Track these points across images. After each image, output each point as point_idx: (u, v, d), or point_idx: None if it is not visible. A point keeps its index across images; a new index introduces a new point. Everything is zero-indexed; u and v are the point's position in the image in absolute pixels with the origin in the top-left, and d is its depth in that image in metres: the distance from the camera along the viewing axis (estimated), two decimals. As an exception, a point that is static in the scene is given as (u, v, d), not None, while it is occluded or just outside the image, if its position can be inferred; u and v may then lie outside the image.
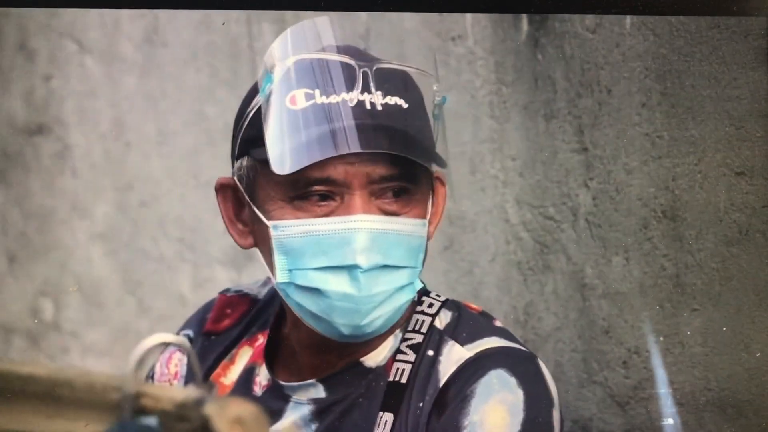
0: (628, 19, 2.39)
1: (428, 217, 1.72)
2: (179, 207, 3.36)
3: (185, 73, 3.33)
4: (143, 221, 3.41)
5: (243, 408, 1.11)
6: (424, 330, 1.74)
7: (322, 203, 1.64)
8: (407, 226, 1.68)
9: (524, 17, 2.58)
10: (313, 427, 1.73)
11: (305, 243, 1.64)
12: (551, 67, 2.54)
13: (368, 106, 1.64)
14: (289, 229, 1.65)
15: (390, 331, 1.75)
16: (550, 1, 1.81)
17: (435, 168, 1.76)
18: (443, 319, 1.76)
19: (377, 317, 1.67)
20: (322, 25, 1.71)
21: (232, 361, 1.84)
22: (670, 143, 2.36)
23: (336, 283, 1.63)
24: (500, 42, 2.65)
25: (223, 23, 2.61)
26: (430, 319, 1.76)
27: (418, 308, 1.77)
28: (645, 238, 2.42)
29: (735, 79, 2.25)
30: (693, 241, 2.34)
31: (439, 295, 1.80)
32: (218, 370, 1.84)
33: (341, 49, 1.69)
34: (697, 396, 2.36)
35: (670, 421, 1.64)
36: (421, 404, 1.69)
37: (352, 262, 1.62)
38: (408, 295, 1.70)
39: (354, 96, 1.64)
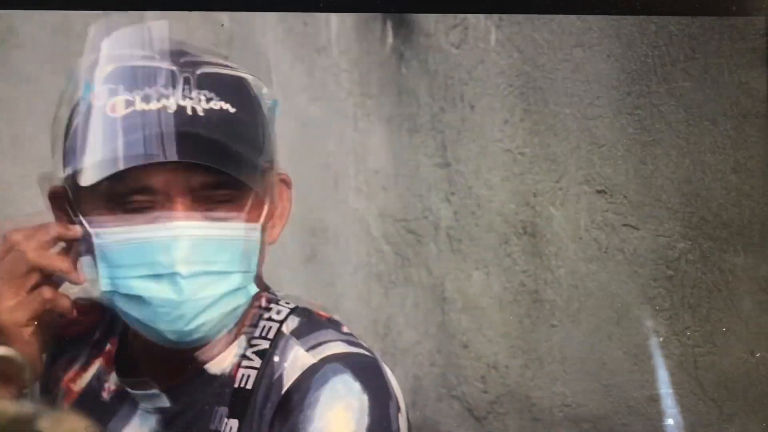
0: (492, 36, 2.43)
1: (262, 220, 1.68)
2: (33, 212, 3.32)
3: (41, 75, 3.30)
4: (-4, 226, 3.37)
5: (76, 423, 1.10)
6: (271, 336, 1.72)
7: (144, 212, 1.61)
8: (234, 231, 1.65)
9: (390, 30, 2.60)
10: None
11: (126, 251, 1.62)
12: (415, 81, 2.57)
13: (189, 112, 1.61)
14: (109, 236, 1.63)
15: (233, 338, 1.73)
16: (549, 3, 1.75)
17: (278, 170, 1.74)
18: (290, 325, 1.74)
19: (203, 322, 1.64)
20: (154, 30, 1.68)
21: (83, 368, 1.81)
22: (531, 160, 2.39)
23: (157, 290, 1.61)
24: (365, 54, 2.67)
25: (222, 25, 2.58)
26: (278, 325, 1.73)
27: (266, 315, 1.75)
28: (505, 253, 2.45)
29: (598, 98, 2.30)
30: (553, 257, 2.38)
31: (288, 302, 1.77)
32: (70, 374, 1.81)
33: (172, 54, 1.66)
34: (555, 411, 2.40)
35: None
36: (265, 410, 1.68)
37: (172, 270, 1.60)
38: (239, 300, 1.67)
39: (173, 102, 1.60)
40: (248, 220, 1.65)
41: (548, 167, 2.37)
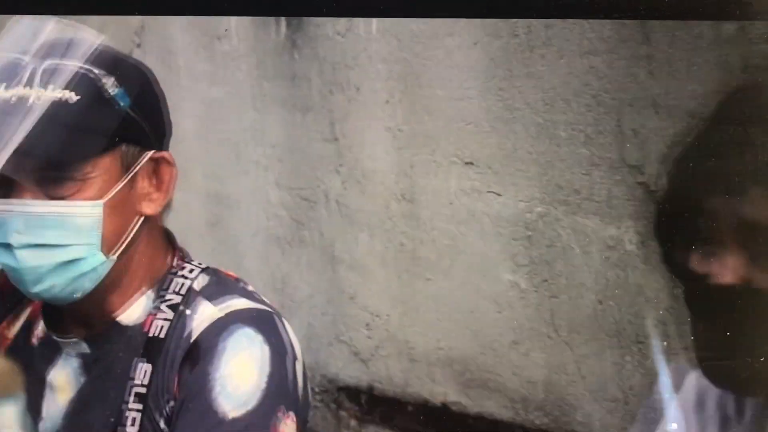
0: (374, 26, 2.41)
1: (107, 198, 1.65)
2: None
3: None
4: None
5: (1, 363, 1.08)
6: (182, 292, 1.73)
7: None
8: (72, 209, 1.63)
9: (283, 21, 2.58)
10: (83, 379, 1.72)
11: None
12: (307, 66, 2.55)
13: (30, 101, 1.60)
14: None
15: (138, 290, 1.73)
16: (552, 7, 1.64)
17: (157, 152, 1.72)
18: (200, 283, 1.74)
19: (52, 285, 1.65)
20: (32, 29, 1.68)
21: (16, 317, 1.81)
22: (409, 136, 2.39)
23: (4, 258, 1.63)
24: (261, 42, 2.64)
25: (226, 30, 2.52)
26: (189, 282, 1.74)
27: (179, 273, 1.75)
28: (386, 217, 2.45)
29: (466, 80, 2.30)
30: (427, 220, 2.37)
31: (200, 263, 1.78)
32: (4, 324, 1.81)
33: (38, 52, 1.65)
34: (430, 354, 2.41)
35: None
36: (176, 357, 1.67)
37: (6, 241, 1.62)
38: (83, 268, 1.66)
39: (16, 92, 1.60)
40: (92, 195, 1.64)
41: (423, 142, 2.37)
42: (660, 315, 2.06)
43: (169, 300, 1.73)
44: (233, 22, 2.68)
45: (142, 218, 1.69)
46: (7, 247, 1.62)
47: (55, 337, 1.75)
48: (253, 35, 2.64)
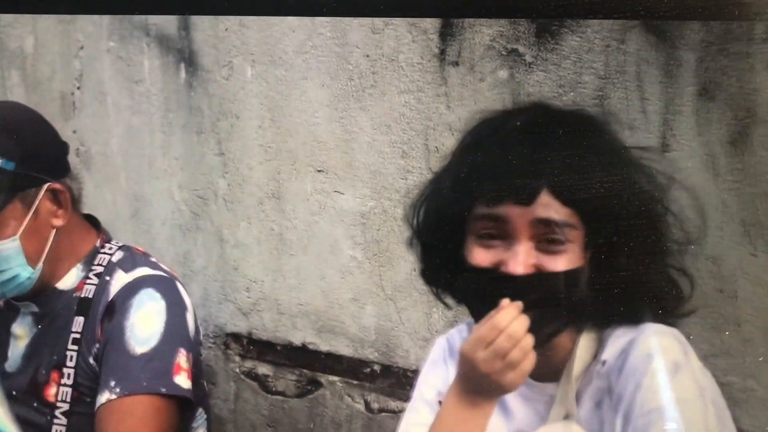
0: (249, 71, 2.36)
1: (20, 232, 1.63)
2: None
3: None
4: None
5: None
6: (104, 264, 1.71)
7: None
8: None
9: (183, 68, 2.49)
10: (34, 330, 1.71)
11: None
12: (200, 100, 2.48)
13: None
14: None
15: (71, 265, 1.71)
16: (552, 7, 1.39)
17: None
18: (117, 257, 1.73)
19: (2, 293, 1.67)
20: None
21: None
22: (276, 151, 2.35)
23: None
24: (167, 84, 2.56)
25: (226, 29, 2.38)
26: (109, 257, 1.72)
27: (102, 250, 1.74)
28: (261, 210, 2.39)
29: (316, 111, 2.26)
30: (291, 212, 2.33)
31: (118, 242, 1.77)
32: None
33: None
34: (293, 308, 2.36)
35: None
36: (98, 310, 1.67)
37: None
38: (20, 279, 1.65)
39: None
40: (8, 236, 1.62)
41: (287, 156, 2.32)
42: None
43: (95, 270, 1.71)
44: (146, 67, 2.58)
45: (55, 229, 1.68)
46: None
47: (13, 302, 1.73)
48: (161, 79, 2.56)
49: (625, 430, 1.19)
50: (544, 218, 1.21)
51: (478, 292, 1.28)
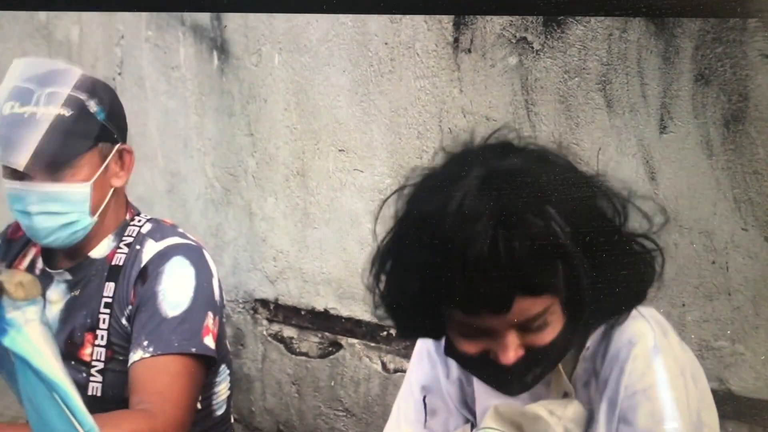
0: (276, 58, 2.34)
1: (93, 179, 1.65)
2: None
3: None
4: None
5: (23, 275, 1.10)
6: (134, 235, 1.71)
7: (16, 174, 1.61)
8: (67, 188, 1.63)
9: (215, 55, 2.47)
10: (68, 295, 1.71)
11: (9, 195, 1.63)
12: (231, 85, 2.46)
13: (37, 116, 1.59)
14: (4, 185, 1.64)
15: (104, 236, 1.71)
16: (553, 4, 1.29)
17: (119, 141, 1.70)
18: (146, 228, 1.73)
19: (56, 239, 1.65)
20: (38, 64, 1.67)
21: (24, 255, 1.78)
22: (300, 132, 2.33)
23: (23, 219, 1.63)
24: (201, 70, 2.54)
25: (225, 26, 2.37)
26: (138, 228, 1.72)
27: (133, 222, 1.74)
28: (287, 186, 2.38)
29: (338, 96, 2.23)
30: (315, 188, 2.32)
31: (146, 215, 1.77)
32: (18, 260, 1.78)
33: (37, 80, 1.63)
34: (316, 276, 2.35)
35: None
36: (131, 277, 1.67)
37: (26, 210, 1.62)
38: (76, 227, 1.65)
39: (27, 109, 1.59)
40: (83, 179, 1.63)
41: (310, 136, 2.30)
42: None
43: (126, 240, 1.71)
44: (182, 55, 2.56)
45: (113, 189, 1.69)
46: (27, 214, 1.61)
47: (48, 270, 1.74)
48: (195, 65, 2.54)
49: (611, 413, 1.18)
50: (523, 321, 1.13)
51: (471, 370, 1.24)
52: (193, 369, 1.62)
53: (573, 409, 1.21)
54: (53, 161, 1.59)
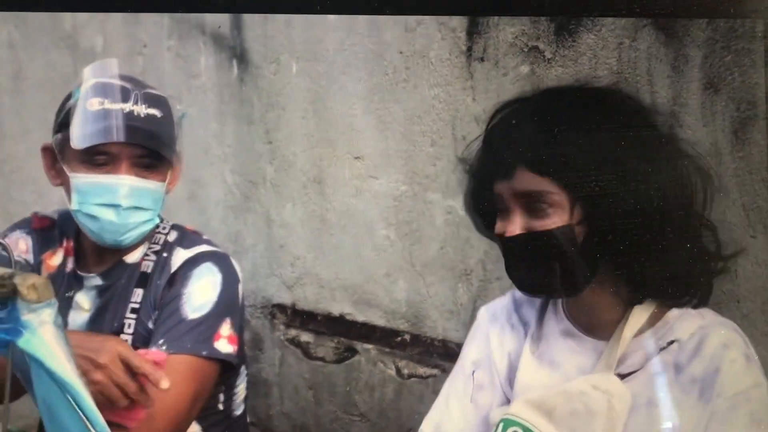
0: (294, 67, 2.36)
1: (167, 181, 1.71)
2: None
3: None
4: None
5: (36, 278, 1.12)
6: (161, 243, 1.75)
7: (103, 166, 1.63)
8: (151, 185, 1.66)
9: (235, 64, 2.50)
10: (97, 301, 1.73)
11: (91, 188, 1.63)
12: (250, 93, 2.49)
13: (136, 114, 1.63)
14: (82, 178, 1.63)
15: (141, 243, 1.74)
16: (546, 5, 1.41)
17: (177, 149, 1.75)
18: (173, 236, 1.76)
19: (130, 236, 1.67)
20: (114, 63, 1.70)
21: (54, 252, 1.79)
22: (317, 139, 2.35)
23: (106, 214, 1.63)
24: (221, 78, 2.57)
25: (219, 27, 2.42)
26: (164, 236, 1.76)
27: (158, 230, 1.77)
28: (304, 193, 2.40)
29: (353, 104, 2.25)
30: (331, 195, 2.34)
31: (169, 222, 1.80)
32: (47, 255, 1.79)
33: (124, 78, 1.67)
34: (332, 282, 2.36)
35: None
36: (159, 282, 1.70)
37: (117, 203, 1.63)
38: (150, 225, 1.70)
39: (128, 106, 1.63)
40: (160, 180, 1.67)
41: (327, 144, 2.32)
42: (480, 256, 2.05)
43: (153, 248, 1.74)
44: (202, 64, 2.59)
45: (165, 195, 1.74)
46: (116, 207, 1.63)
47: (79, 272, 1.75)
48: (215, 74, 2.57)
49: (701, 408, 1.23)
50: (525, 193, 1.29)
51: (501, 253, 1.37)
52: (204, 372, 1.65)
53: (618, 387, 1.26)
54: (144, 157, 1.65)
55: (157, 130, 1.65)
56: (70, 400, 1.13)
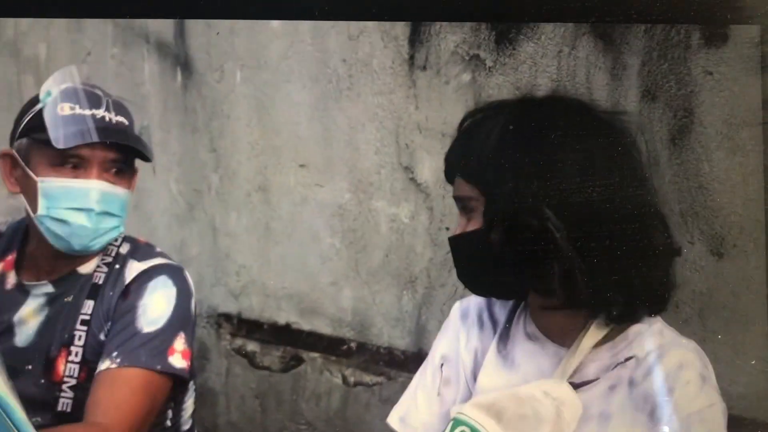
0: (238, 75, 2.34)
1: (131, 189, 1.72)
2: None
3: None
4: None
5: None
6: (113, 254, 1.72)
7: (74, 169, 1.63)
8: (120, 191, 1.67)
9: (179, 72, 2.48)
10: (46, 311, 1.70)
11: (62, 192, 1.62)
12: (194, 101, 2.47)
13: (107, 119, 1.64)
14: (52, 182, 1.62)
15: (96, 254, 1.72)
16: (544, 11, 1.44)
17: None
18: (125, 248, 1.74)
19: (99, 242, 1.67)
20: (75, 71, 1.70)
21: None
22: (263, 148, 2.34)
23: (77, 218, 1.62)
24: (165, 86, 2.55)
25: (218, 33, 2.37)
26: (117, 248, 1.73)
27: (111, 242, 1.74)
28: (249, 201, 2.39)
29: (297, 112, 2.24)
30: (276, 203, 2.33)
31: (121, 234, 1.77)
32: None
33: (88, 85, 1.68)
34: (278, 291, 2.35)
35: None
36: (111, 294, 1.68)
37: (90, 207, 1.63)
38: (116, 233, 1.70)
39: (99, 112, 1.64)
40: (126, 187, 1.68)
41: (272, 152, 2.31)
42: (424, 264, 2.05)
43: (106, 259, 1.72)
44: (146, 71, 2.56)
45: None
46: (88, 211, 1.63)
47: (25, 283, 1.71)
48: (159, 82, 2.54)
49: (652, 427, 1.25)
50: (457, 198, 1.38)
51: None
52: (157, 386, 1.63)
53: (569, 396, 1.28)
54: (115, 163, 1.65)
55: (125, 135, 1.66)
56: (1, 412, 1.11)
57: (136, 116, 1.73)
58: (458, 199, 1.37)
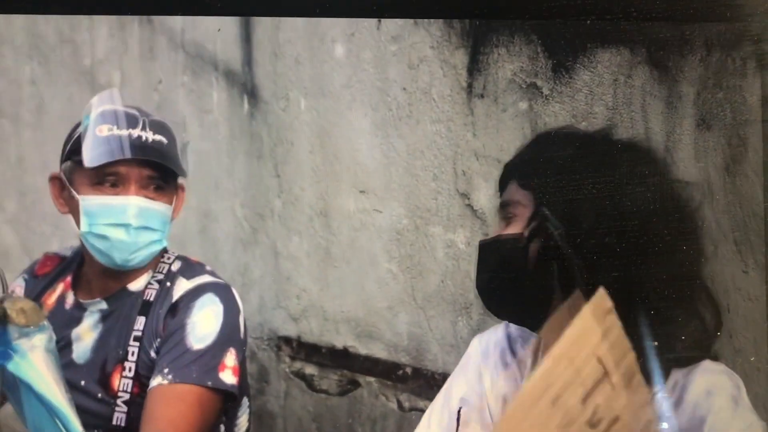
0: (302, 103, 2.41)
1: (173, 205, 1.75)
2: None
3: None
4: None
5: (25, 302, 1.16)
6: (164, 272, 1.77)
7: (112, 187, 1.69)
8: (159, 206, 1.71)
9: (246, 99, 2.56)
10: (100, 328, 1.75)
11: (100, 209, 1.67)
12: (260, 128, 2.53)
13: (144, 138, 1.69)
14: (91, 200, 1.68)
15: (145, 271, 1.77)
16: (544, 9, 1.42)
17: (180, 179, 1.80)
18: (176, 266, 1.78)
19: (139, 255, 1.71)
20: (116, 93, 1.76)
21: (53, 291, 1.82)
22: (324, 174, 2.38)
23: (116, 233, 1.67)
24: (232, 114, 2.62)
25: (219, 29, 2.48)
26: (168, 266, 1.78)
27: (163, 259, 1.79)
28: (310, 225, 2.43)
29: (358, 138, 2.28)
30: (336, 228, 2.36)
31: (174, 253, 1.82)
32: (46, 295, 1.82)
33: (129, 107, 1.73)
34: (336, 314, 2.38)
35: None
36: (160, 311, 1.72)
37: (127, 222, 1.68)
38: (158, 247, 1.74)
39: (136, 132, 1.68)
40: (167, 203, 1.73)
41: (333, 177, 2.36)
42: None
43: (157, 276, 1.77)
44: (215, 99, 2.65)
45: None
46: (126, 226, 1.68)
47: (81, 301, 1.77)
48: (227, 109, 2.62)
49: None
50: (503, 201, 1.41)
51: None
52: (209, 402, 1.66)
53: None
54: (153, 179, 1.71)
55: (163, 153, 1.71)
56: (58, 423, 1.16)
57: (180, 136, 1.78)
58: (504, 205, 1.38)
